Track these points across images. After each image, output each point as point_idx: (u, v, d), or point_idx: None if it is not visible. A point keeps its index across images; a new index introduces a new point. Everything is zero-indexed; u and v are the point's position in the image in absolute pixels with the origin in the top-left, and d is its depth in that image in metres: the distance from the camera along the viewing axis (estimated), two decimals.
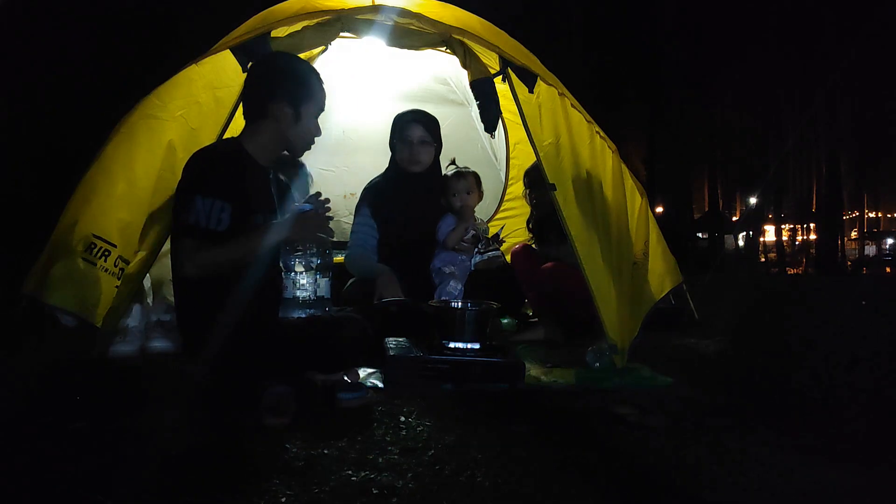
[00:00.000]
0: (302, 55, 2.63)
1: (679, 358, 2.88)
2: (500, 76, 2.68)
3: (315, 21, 2.66)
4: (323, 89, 2.40)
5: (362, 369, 2.41)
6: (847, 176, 21.44)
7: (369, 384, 2.32)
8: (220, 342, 2.07)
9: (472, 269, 3.26)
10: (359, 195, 3.46)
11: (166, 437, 1.82)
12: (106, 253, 2.46)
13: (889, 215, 33.81)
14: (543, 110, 2.64)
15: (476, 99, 2.72)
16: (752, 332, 3.62)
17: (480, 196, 3.40)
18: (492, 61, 2.76)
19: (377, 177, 3.48)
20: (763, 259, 22.17)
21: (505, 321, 3.39)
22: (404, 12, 2.73)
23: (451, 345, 2.47)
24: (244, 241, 2.18)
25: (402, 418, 2.00)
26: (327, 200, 2.38)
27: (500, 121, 3.31)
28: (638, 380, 2.47)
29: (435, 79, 4.10)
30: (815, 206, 21.79)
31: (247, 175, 2.27)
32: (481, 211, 3.62)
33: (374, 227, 3.35)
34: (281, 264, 2.33)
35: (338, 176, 4.12)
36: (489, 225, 3.77)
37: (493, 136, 3.99)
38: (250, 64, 2.49)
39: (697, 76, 19.08)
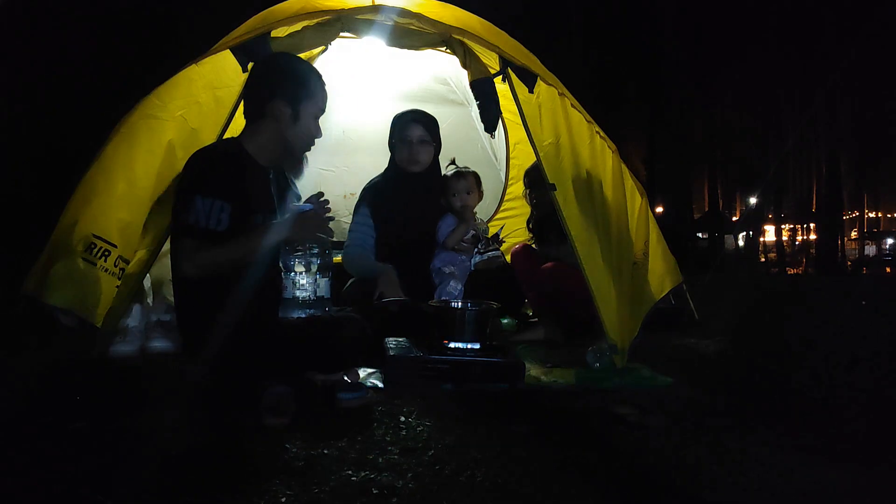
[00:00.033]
0: (302, 55, 2.63)
1: (679, 358, 2.88)
2: (500, 76, 2.68)
3: (315, 21, 2.66)
4: (324, 90, 2.40)
5: (362, 369, 2.41)
6: (847, 176, 21.44)
7: (369, 384, 2.32)
8: (220, 342, 2.07)
9: (472, 269, 3.26)
10: (358, 195, 3.46)
11: (166, 437, 1.82)
12: (106, 253, 2.46)
13: (889, 215, 33.82)
14: (543, 110, 2.64)
15: (476, 99, 2.72)
16: (752, 332, 3.62)
17: (480, 196, 3.40)
18: (492, 61, 2.76)
19: (377, 176, 3.48)
20: (763, 259, 22.17)
21: (505, 321, 3.39)
22: (404, 12, 2.73)
23: (451, 345, 2.47)
24: (244, 241, 2.18)
25: (402, 418, 2.00)
26: (327, 201, 2.39)
27: (500, 121, 3.31)
28: (638, 380, 2.47)
29: (435, 79, 4.09)
30: (815, 206, 21.78)
31: (247, 175, 2.28)
32: (481, 211, 3.62)
33: (373, 227, 3.35)
34: (281, 264, 2.33)
35: (338, 176, 4.12)
36: (489, 225, 3.77)
37: (493, 136, 3.99)
38: (251, 64, 2.49)
39: (697, 76, 19.07)
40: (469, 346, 2.46)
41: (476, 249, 3.27)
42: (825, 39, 18.42)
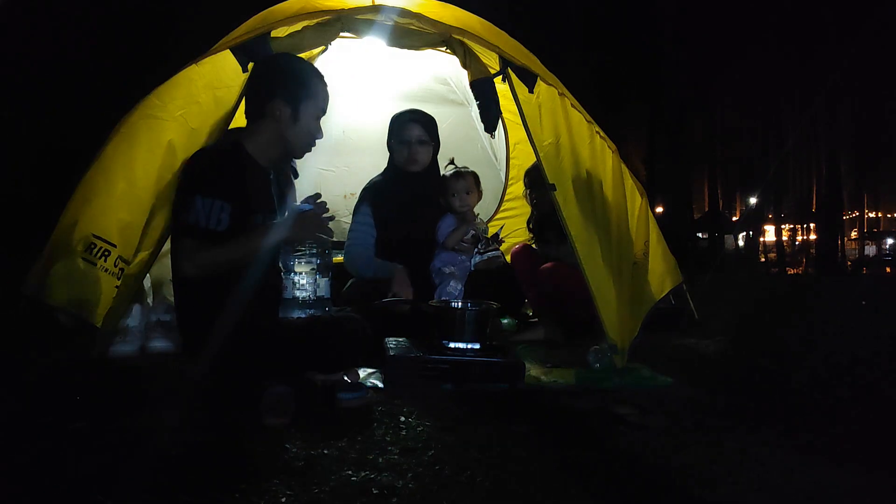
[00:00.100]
0: (302, 55, 2.63)
1: (679, 358, 2.89)
2: (500, 76, 2.68)
3: (315, 21, 2.66)
4: (325, 91, 2.40)
5: (362, 369, 2.41)
6: (847, 176, 21.43)
7: (369, 384, 2.32)
8: (219, 342, 2.07)
9: (472, 269, 3.26)
10: (358, 195, 3.46)
11: (166, 437, 1.82)
12: (106, 253, 2.46)
13: (889, 215, 33.81)
14: (543, 110, 2.64)
15: (476, 99, 2.72)
16: (752, 332, 3.62)
17: (480, 196, 3.40)
18: (492, 61, 2.76)
19: (376, 176, 3.48)
20: (763, 259, 22.16)
21: (505, 321, 3.39)
22: (404, 12, 2.73)
23: (451, 345, 2.47)
24: (244, 241, 2.18)
25: (402, 418, 2.00)
26: (324, 202, 2.38)
27: (500, 121, 3.31)
28: (638, 380, 2.47)
29: (435, 79, 4.09)
30: (815, 206, 21.78)
31: (247, 175, 2.28)
32: (481, 211, 3.62)
33: (373, 227, 3.35)
34: (281, 264, 2.33)
35: (338, 176, 4.12)
36: (489, 225, 3.77)
37: (493, 136, 3.99)
38: (251, 64, 2.49)
39: (698, 76, 19.07)
40: (469, 346, 2.46)
41: (476, 249, 3.26)
42: (825, 39, 18.42)
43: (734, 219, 24.76)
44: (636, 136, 19.81)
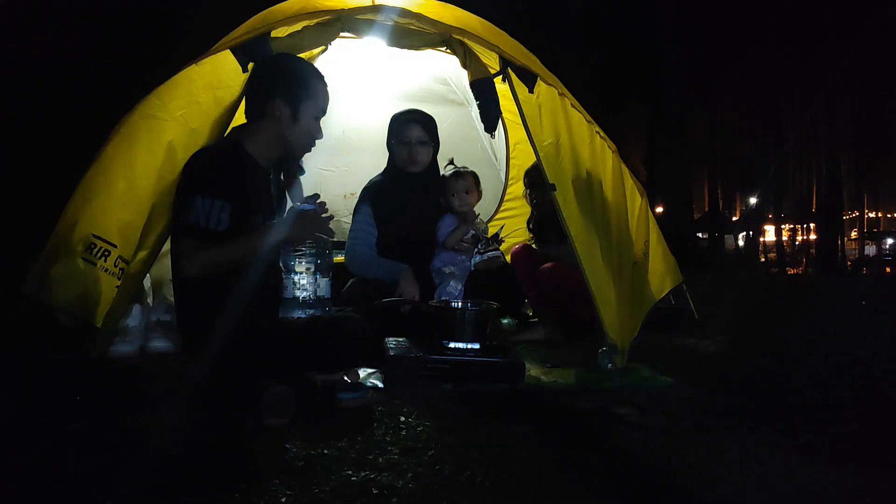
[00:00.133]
0: (302, 55, 2.63)
1: (679, 358, 2.88)
2: (500, 76, 2.68)
3: (315, 21, 2.66)
4: (325, 91, 2.40)
5: (362, 369, 2.41)
6: (847, 176, 21.45)
7: (369, 384, 2.32)
8: (220, 342, 2.07)
9: (472, 269, 3.26)
10: (359, 195, 3.46)
11: (166, 437, 1.82)
12: (106, 253, 2.46)
13: (889, 215, 33.81)
14: (543, 110, 2.64)
15: (476, 99, 2.72)
16: (752, 332, 3.62)
17: (479, 195, 3.39)
18: (492, 61, 2.76)
19: (377, 176, 3.47)
20: (763, 259, 22.19)
21: (505, 321, 3.39)
22: (404, 12, 2.73)
23: (451, 345, 2.46)
24: (244, 241, 2.18)
25: (402, 418, 1.99)
26: (324, 203, 2.38)
27: (500, 121, 3.30)
28: (638, 380, 2.47)
29: (435, 79, 4.09)
30: (815, 206, 21.80)
31: (247, 175, 2.28)
32: (481, 211, 3.62)
33: (374, 226, 3.35)
34: (281, 264, 2.33)
35: (338, 176, 4.12)
36: (489, 225, 3.77)
37: (493, 136, 3.99)
38: (251, 64, 2.49)
39: (698, 76, 19.08)
40: (469, 346, 2.46)
41: (476, 249, 3.26)
42: (825, 40, 18.42)
43: (734, 219, 24.77)
44: (636, 136, 19.83)
